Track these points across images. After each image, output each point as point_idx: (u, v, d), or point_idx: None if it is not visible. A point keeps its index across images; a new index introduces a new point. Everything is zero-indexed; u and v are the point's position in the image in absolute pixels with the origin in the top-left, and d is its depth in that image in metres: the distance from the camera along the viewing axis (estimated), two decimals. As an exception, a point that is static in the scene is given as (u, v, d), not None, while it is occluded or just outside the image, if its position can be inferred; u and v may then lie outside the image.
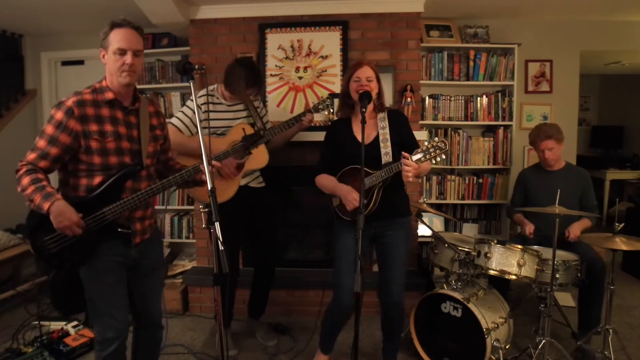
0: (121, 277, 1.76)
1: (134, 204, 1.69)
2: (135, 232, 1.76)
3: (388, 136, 2.12)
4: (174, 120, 2.53)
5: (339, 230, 2.21)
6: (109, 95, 1.68)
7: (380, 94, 2.16)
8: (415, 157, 1.94)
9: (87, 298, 1.75)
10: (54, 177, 1.68)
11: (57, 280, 2.87)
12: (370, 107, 2.15)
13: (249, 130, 2.52)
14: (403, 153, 1.94)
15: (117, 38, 1.62)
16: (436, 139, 1.97)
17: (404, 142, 2.11)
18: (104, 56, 1.67)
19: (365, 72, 2.09)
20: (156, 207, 2.12)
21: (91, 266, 1.69)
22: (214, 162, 1.86)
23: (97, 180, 1.66)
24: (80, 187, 1.67)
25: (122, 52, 1.63)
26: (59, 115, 1.60)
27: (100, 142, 1.64)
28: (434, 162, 1.97)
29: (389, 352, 2.32)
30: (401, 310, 2.20)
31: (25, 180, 1.55)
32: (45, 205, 1.51)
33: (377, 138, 2.13)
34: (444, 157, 1.96)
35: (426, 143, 1.96)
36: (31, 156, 1.60)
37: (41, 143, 1.60)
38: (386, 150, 2.09)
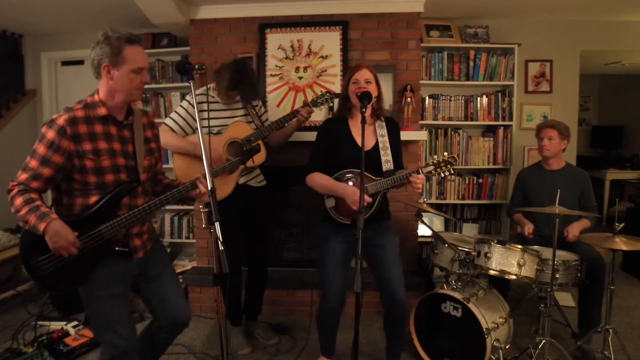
0: (122, 290, 1.71)
1: (131, 221, 1.64)
2: (136, 248, 1.72)
3: (388, 144, 2.12)
4: (167, 120, 2.50)
5: (327, 234, 2.18)
6: (102, 111, 1.60)
7: (379, 98, 2.14)
8: (426, 170, 1.97)
9: (88, 316, 1.71)
10: (46, 194, 1.62)
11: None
12: (369, 111, 2.13)
13: (246, 128, 2.51)
14: (419, 164, 1.95)
15: (136, 56, 1.55)
16: (445, 153, 1.98)
17: (394, 154, 2.13)
18: (109, 71, 1.56)
19: (364, 75, 2.09)
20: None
21: (89, 282, 1.63)
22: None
23: (93, 199, 1.60)
24: (75, 207, 1.61)
25: (140, 70, 1.57)
26: (51, 134, 1.52)
27: (95, 161, 1.57)
28: (442, 175, 1.99)
29: (393, 353, 2.31)
30: (404, 310, 2.19)
31: (19, 201, 1.50)
32: (41, 226, 1.46)
33: (377, 145, 2.12)
34: (452, 172, 1.97)
35: (435, 157, 1.98)
36: (23, 176, 1.53)
37: (33, 163, 1.52)
38: (386, 158, 2.09)
